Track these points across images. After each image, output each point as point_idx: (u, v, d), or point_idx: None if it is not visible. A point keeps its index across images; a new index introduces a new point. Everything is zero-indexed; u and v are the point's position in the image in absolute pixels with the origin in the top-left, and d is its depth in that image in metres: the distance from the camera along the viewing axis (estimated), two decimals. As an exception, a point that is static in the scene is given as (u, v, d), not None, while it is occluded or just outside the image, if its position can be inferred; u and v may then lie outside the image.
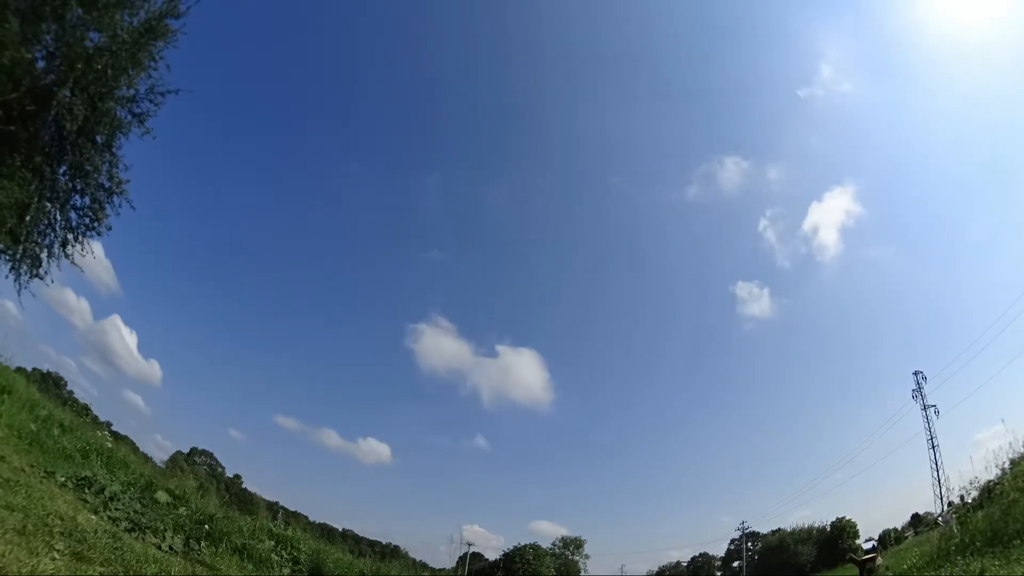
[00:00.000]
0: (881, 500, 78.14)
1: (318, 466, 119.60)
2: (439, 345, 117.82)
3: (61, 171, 13.14)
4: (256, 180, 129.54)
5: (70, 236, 13.59)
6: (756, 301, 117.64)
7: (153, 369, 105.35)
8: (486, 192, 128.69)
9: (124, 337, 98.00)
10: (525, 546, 55.61)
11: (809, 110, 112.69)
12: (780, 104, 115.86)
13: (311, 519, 61.69)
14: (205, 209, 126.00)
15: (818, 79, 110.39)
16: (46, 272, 13.51)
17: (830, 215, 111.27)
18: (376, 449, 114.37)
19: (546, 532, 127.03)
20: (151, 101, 13.37)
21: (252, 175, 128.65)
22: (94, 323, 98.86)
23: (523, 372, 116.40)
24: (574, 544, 66.48)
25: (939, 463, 40.68)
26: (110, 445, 15.69)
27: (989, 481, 15.00)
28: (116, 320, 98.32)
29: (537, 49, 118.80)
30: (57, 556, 5.73)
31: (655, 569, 76.65)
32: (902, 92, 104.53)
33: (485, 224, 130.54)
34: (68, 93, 12.03)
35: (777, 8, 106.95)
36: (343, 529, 71.83)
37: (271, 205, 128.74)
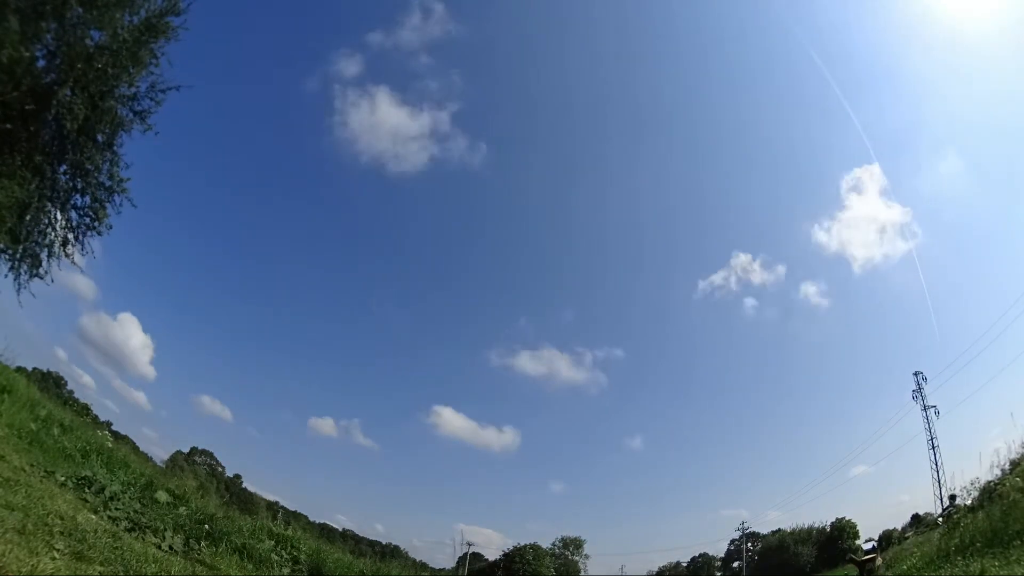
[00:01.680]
0: (881, 501, 78.16)
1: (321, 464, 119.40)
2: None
3: (61, 170, 13.15)
4: (258, 177, 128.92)
5: (70, 235, 13.61)
6: (757, 302, 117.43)
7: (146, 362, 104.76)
8: (486, 188, 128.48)
9: (113, 326, 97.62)
10: (525, 546, 55.70)
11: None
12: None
13: (311, 519, 61.89)
14: (200, 204, 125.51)
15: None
16: (46, 272, 13.53)
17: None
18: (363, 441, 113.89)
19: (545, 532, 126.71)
20: (152, 99, 13.40)
21: (254, 172, 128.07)
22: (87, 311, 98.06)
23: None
24: (574, 544, 66.57)
25: (939, 464, 40.79)
26: (110, 445, 15.72)
27: (989, 482, 15.02)
28: (100, 312, 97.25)
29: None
30: (57, 556, 5.73)
31: (655, 569, 76.71)
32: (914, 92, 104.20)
33: (486, 218, 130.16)
34: (68, 92, 12.03)
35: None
36: (343, 529, 72.00)
37: (272, 201, 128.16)
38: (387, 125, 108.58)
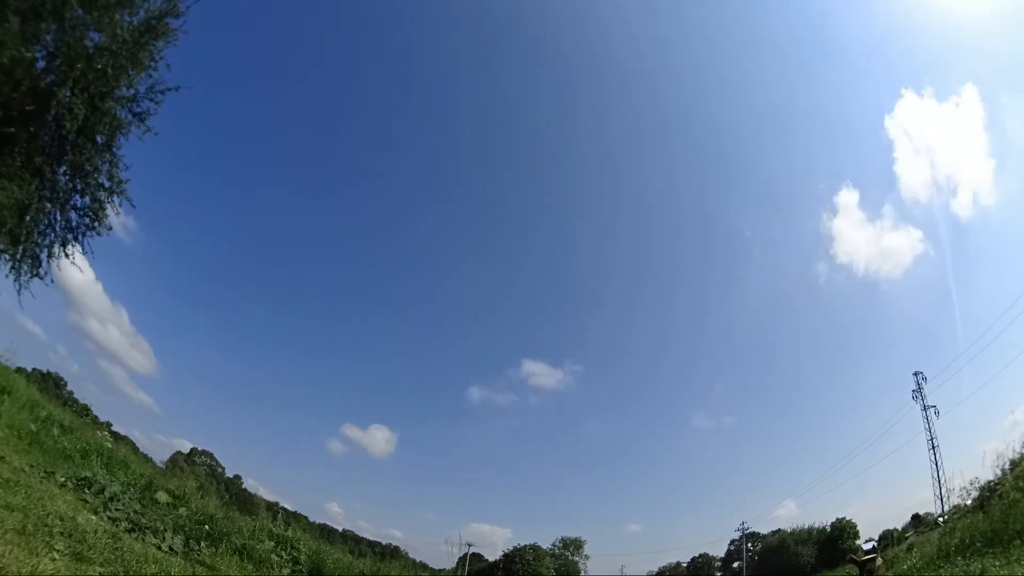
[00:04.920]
0: (881, 501, 78.09)
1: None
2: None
3: (61, 171, 13.15)
4: (267, 177, 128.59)
5: (70, 236, 13.63)
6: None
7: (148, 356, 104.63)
8: (501, 184, 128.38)
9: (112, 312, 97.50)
10: (525, 546, 55.76)
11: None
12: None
13: (311, 519, 61.90)
14: (211, 207, 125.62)
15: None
16: (46, 272, 13.55)
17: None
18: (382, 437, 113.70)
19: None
20: (151, 100, 13.41)
21: (261, 172, 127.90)
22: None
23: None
24: (574, 544, 66.54)
25: (939, 463, 40.78)
26: (110, 445, 15.74)
27: (989, 481, 15.02)
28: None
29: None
30: (57, 556, 5.73)
31: (655, 570, 76.68)
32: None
33: (502, 210, 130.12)
34: (68, 93, 12.04)
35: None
36: (343, 530, 72.02)
37: (281, 201, 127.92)
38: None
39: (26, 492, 7.72)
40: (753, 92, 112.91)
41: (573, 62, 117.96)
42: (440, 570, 54.31)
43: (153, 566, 7.16)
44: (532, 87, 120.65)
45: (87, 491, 9.66)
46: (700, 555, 72.39)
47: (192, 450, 71.08)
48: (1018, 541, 9.41)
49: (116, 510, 9.28)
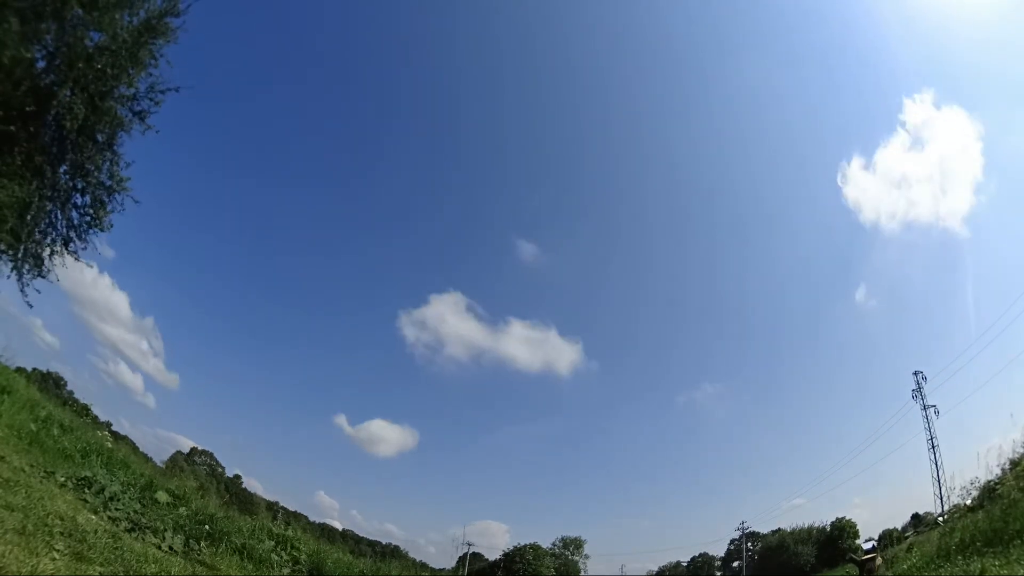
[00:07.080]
0: (881, 500, 78.11)
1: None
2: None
3: (62, 170, 13.17)
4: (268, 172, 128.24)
5: (72, 235, 13.64)
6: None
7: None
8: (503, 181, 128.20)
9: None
10: (525, 546, 55.74)
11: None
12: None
13: (311, 519, 61.98)
14: (208, 202, 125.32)
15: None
16: (48, 272, 13.55)
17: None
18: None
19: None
20: (151, 99, 13.43)
21: (263, 168, 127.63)
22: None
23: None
24: (574, 544, 66.54)
25: (939, 463, 40.76)
26: (110, 445, 15.74)
27: (989, 481, 15.04)
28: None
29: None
30: (57, 556, 5.73)
31: (655, 569, 76.68)
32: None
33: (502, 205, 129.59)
34: (68, 92, 12.05)
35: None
36: (343, 529, 72.11)
37: (277, 197, 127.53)
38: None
39: (26, 492, 7.72)
40: (747, 74, 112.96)
41: (574, 51, 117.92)
42: (440, 570, 54.48)
43: (153, 566, 7.16)
44: (533, 79, 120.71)
45: (87, 491, 9.65)
46: (700, 554, 72.42)
47: (192, 450, 71.12)
48: (1018, 541, 9.42)
49: (116, 510, 9.28)
